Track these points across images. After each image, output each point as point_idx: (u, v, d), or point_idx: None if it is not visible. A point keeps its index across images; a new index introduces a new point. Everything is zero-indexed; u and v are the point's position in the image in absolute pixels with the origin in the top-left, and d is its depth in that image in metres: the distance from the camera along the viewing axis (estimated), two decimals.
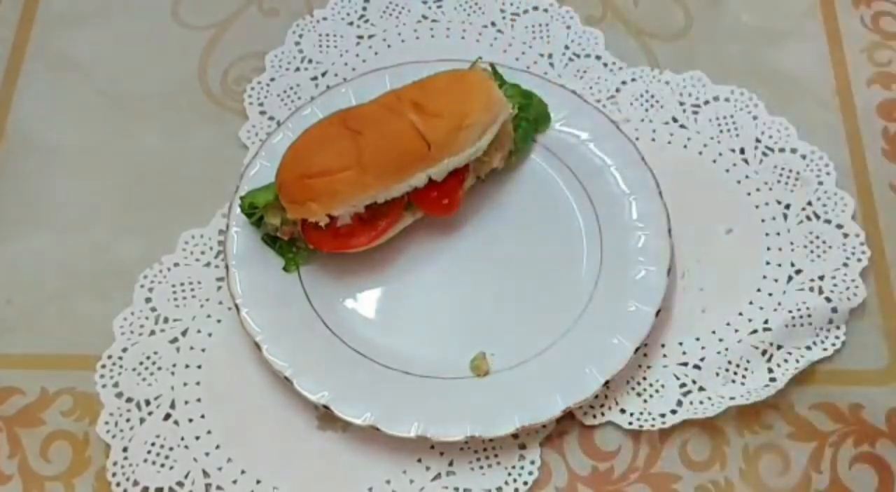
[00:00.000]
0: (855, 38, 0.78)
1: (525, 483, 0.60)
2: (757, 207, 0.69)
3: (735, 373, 0.63)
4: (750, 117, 0.73)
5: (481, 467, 0.60)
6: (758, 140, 0.72)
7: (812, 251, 0.67)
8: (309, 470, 0.61)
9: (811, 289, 0.66)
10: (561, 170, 0.70)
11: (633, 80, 0.75)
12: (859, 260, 0.67)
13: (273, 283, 0.65)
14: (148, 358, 0.64)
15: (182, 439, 0.62)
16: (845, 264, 0.67)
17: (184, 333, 0.65)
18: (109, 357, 0.64)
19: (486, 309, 0.65)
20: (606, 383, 0.60)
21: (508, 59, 0.76)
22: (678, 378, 0.63)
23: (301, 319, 0.64)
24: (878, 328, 0.66)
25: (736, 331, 0.64)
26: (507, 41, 0.77)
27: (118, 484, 0.60)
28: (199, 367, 0.64)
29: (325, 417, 0.62)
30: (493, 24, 0.78)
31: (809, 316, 0.64)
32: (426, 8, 0.79)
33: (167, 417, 0.62)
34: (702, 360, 0.63)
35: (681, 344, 0.64)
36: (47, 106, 0.76)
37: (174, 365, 0.64)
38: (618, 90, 0.74)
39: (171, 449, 0.61)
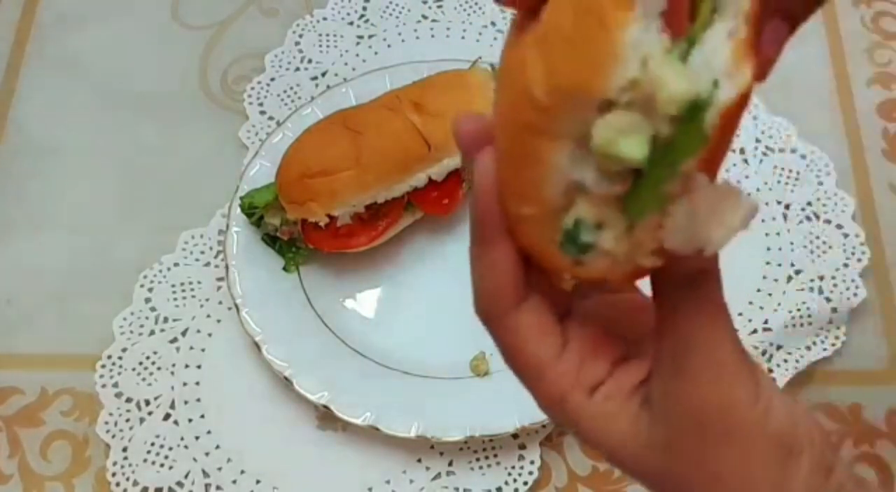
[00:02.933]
0: (855, 38, 0.78)
1: (525, 483, 0.60)
2: None
3: None
4: (750, 117, 0.73)
5: (481, 467, 0.60)
6: (758, 140, 0.72)
7: (812, 251, 0.67)
8: (309, 470, 0.61)
9: (811, 289, 0.66)
10: None
11: None
12: (859, 260, 0.67)
13: (273, 283, 0.65)
14: (148, 358, 0.64)
15: (182, 439, 0.62)
16: (845, 264, 0.67)
17: (184, 333, 0.65)
18: (109, 357, 0.64)
19: None
20: None
21: None
22: None
23: (301, 318, 0.64)
24: (878, 328, 0.66)
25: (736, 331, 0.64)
26: None
27: (118, 484, 0.60)
28: (199, 367, 0.64)
29: (325, 417, 0.62)
30: (493, 24, 0.78)
31: (809, 316, 0.64)
32: (426, 8, 0.79)
33: (167, 417, 0.62)
34: None
35: None
36: (47, 106, 0.76)
37: (174, 365, 0.64)
38: None
39: (170, 449, 0.61)
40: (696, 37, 0.26)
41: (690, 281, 0.31)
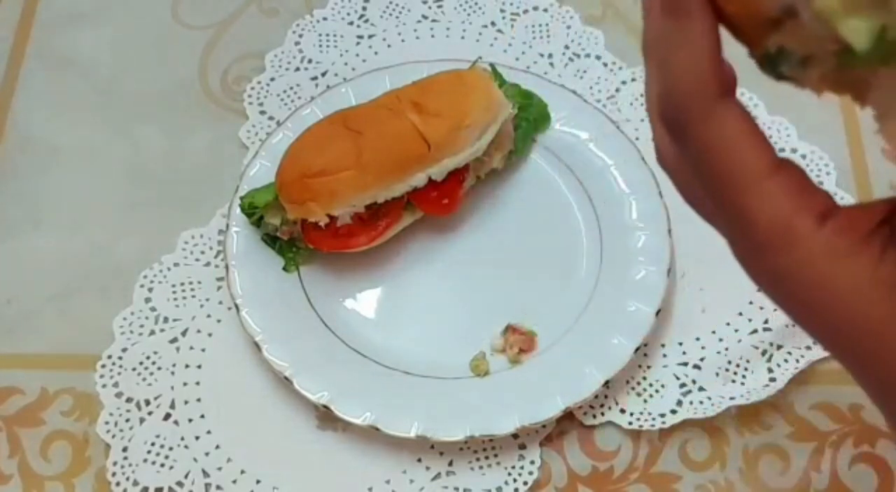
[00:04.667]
0: None
1: (525, 483, 0.60)
2: None
3: (735, 373, 0.63)
4: None
5: (481, 467, 0.60)
6: None
7: None
8: (309, 470, 0.61)
9: None
10: (561, 170, 0.70)
11: (633, 80, 0.75)
12: None
13: (273, 283, 0.65)
14: (148, 358, 0.64)
15: (182, 439, 0.62)
16: None
17: (184, 333, 0.65)
18: (109, 357, 0.64)
19: (485, 309, 0.65)
20: (606, 382, 0.60)
21: (508, 59, 0.76)
22: (678, 378, 0.63)
23: (301, 319, 0.64)
24: None
25: (736, 331, 0.64)
26: (507, 41, 0.77)
27: (118, 484, 0.60)
28: (199, 367, 0.64)
29: (325, 417, 0.62)
30: (493, 24, 0.78)
31: None
32: (426, 8, 0.79)
33: (167, 417, 0.62)
34: (702, 360, 0.63)
35: (681, 344, 0.64)
36: (47, 106, 0.76)
37: (174, 365, 0.64)
38: (618, 90, 0.74)
39: (170, 449, 0.61)
40: None
41: None
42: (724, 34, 0.29)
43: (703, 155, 0.27)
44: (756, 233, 0.27)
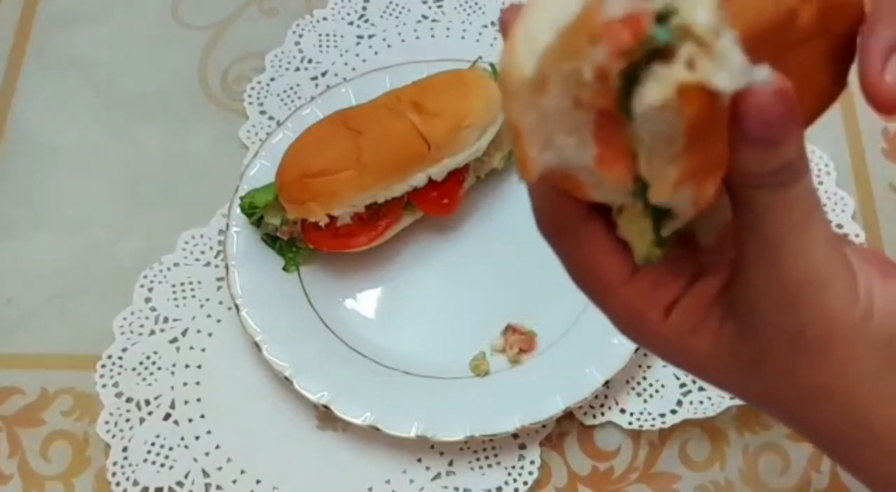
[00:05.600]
0: None
1: (525, 483, 0.60)
2: None
3: None
4: None
5: (481, 467, 0.60)
6: None
7: None
8: (309, 470, 0.61)
9: None
10: None
11: None
12: None
13: (273, 283, 0.65)
14: (148, 358, 0.64)
15: (182, 438, 0.62)
16: None
17: (184, 333, 0.65)
18: (109, 357, 0.64)
19: (485, 309, 0.65)
20: (606, 382, 0.60)
21: None
22: (678, 378, 0.63)
23: (301, 319, 0.64)
24: None
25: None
26: None
27: (118, 484, 0.60)
28: (199, 367, 0.64)
29: (325, 417, 0.62)
30: (493, 24, 0.78)
31: None
32: (426, 8, 0.79)
33: (167, 417, 0.62)
34: None
35: None
36: (47, 106, 0.76)
37: (174, 365, 0.64)
38: None
39: (170, 449, 0.61)
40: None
41: (777, 181, 0.27)
42: None
43: (570, 267, 0.32)
44: (619, 323, 0.32)
